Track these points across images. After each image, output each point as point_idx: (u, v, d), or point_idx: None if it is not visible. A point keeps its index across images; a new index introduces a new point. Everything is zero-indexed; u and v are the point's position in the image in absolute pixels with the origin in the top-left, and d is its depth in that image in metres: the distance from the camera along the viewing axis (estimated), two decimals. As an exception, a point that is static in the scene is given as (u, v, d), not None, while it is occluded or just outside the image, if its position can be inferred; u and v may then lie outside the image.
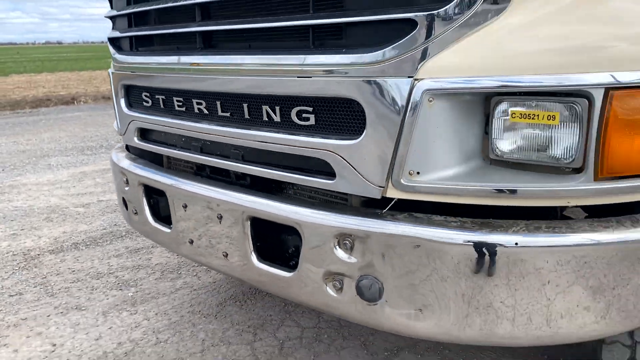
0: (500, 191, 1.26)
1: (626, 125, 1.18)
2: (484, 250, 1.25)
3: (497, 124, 1.29)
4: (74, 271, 3.71)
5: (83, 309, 3.18)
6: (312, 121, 1.45)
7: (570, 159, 1.23)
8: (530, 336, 1.36)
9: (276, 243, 1.63)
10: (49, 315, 3.10)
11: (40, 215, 4.96)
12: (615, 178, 1.23)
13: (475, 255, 1.26)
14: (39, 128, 10.33)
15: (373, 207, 1.44)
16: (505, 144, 1.29)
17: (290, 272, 1.56)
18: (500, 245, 1.24)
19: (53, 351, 2.72)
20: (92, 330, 2.93)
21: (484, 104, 1.30)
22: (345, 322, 2.95)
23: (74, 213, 4.99)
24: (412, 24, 1.23)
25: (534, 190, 1.23)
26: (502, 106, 1.27)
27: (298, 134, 1.48)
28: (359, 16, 1.30)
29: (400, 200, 1.40)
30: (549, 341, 1.39)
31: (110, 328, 2.96)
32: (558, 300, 1.27)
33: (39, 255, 4.01)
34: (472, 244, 1.26)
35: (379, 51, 1.28)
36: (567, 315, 1.32)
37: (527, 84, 1.19)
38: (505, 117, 1.27)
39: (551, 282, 1.25)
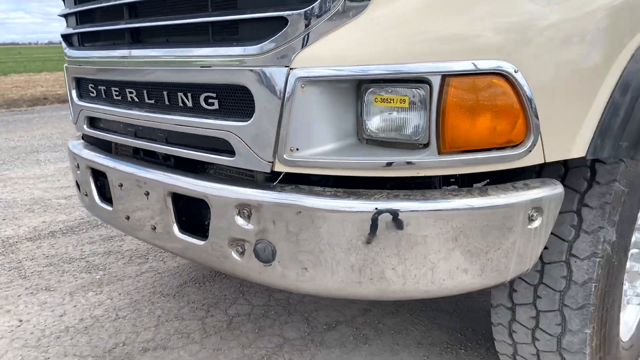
0: (362, 164, 1.47)
1: (461, 107, 1.38)
2: (349, 214, 1.46)
3: (365, 107, 1.50)
4: (47, 257, 3.93)
5: (52, 289, 3.40)
6: (216, 106, 1.66)
7: (419, 136, 1.44)
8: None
9: (194, 215, 1.84)
10: (19, 296, 3.31)
11: (23, 206, 5.18)
12: (458, 152, 1.44)
13: (343, 219, 1.47)
14: (32, 125, 10.55)
15: (272, 181, 1.65)
16: (373, 125, 1.51)
17: (203, 240, 1.77)
18: (360, 210, 1.45)
19: (19, 326, 2.94)
20: (57, 309, 3.15)
21: (356, 89, 1.52)
22: (293, 300, 3.17)
23: (55, 204, 5.21)
24: (285, 21, 1.45)
25: (390, 163, 1.45)
26: (368, 91, 1.48)
27: (206, 118, 1.69)
28: (240, 14, 1.51)
29: (297, 175, 1.61)
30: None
31: (74, 306, 3.18)
32: (413, 256, 1.48)
33: (16, 242, 4.22)
34: (339, 209, 1.47)
35: (260, 44, 1.49)
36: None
37: (377, 73, 1.40)
38: (370, 101, 1.49)
39: (404, 241, 1.46)
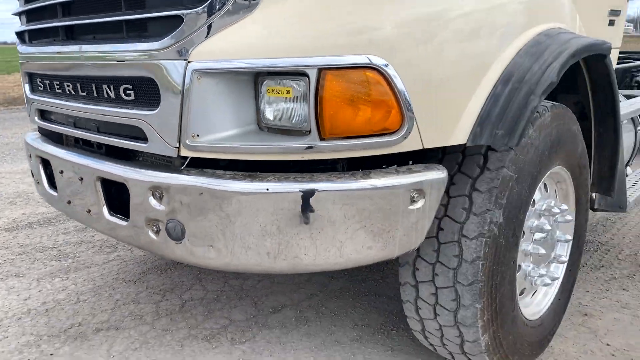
0: (254, 148, 1.62)
1: (336, 98, 1.53)
2: (241, 194, 1.62)
3: (261, 97, 1.65)
4: (22, 246, 4.10)
5: (21, 276, 3.57)
6: (132, 96, 1.82)
7: (303, 124, 1.59)
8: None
9: (121, 198, 2.00)
10: (-12, 281, 3.48)
11: (6, 199, 5.36)
12: (338, 138, 1.59)
13: (235, 198, 1.63)
14: (28, 123, 10.71)
15: (187, 166, 1.80)
16: (268, 114, 1.66)
17: (127, 221, 1.93)
18: (248, 192, 1.60)
19: (-16, 309, 3.11)
20: (23, 293, 3.32)
21: (253, 81, 1.67)
22: (246, 286, 3.32)
23: (37, 197, 5.39)
24: (181, 19, 1.61)
25: (276, 148, 1.60)
26: (263, 83, 1.64)
27: (125, 108, 1.85)
28: (144, 13, 1.68)
29: (209, 160, 1.77)
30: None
31: (40, 291, 3.34)
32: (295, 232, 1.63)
33: (-6, 232, 4.40)
34: (232, 190, 1.63)
35: (162, 40, 1.65)
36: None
37: (260, 66, 1.55)
38: (264, 92, 1.64)
39: (288, 217, 1.61)
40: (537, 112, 2.00)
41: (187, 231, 1.75)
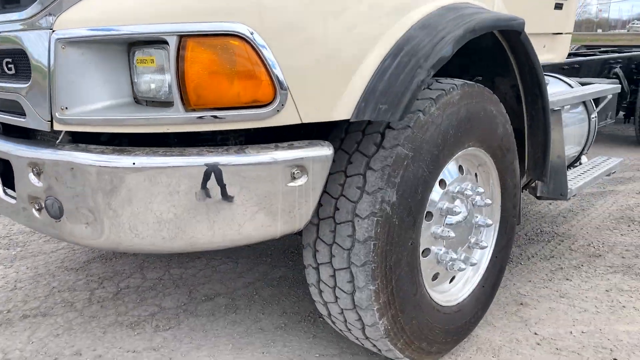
0: (119, 120, 1.56)
1: (199, 66, 1.47)
2: (109, 169, 1.56)
3: (132, 68, 1.60)
4: (-26, 235, 4.06)
5: (-36, 264, 3.53)
6: (13, 70, 1.77)
7: (167, 94, 1.53)
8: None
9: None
10: None
11: (-27, 190, 5.31)
12: (205, 109, 1.52)
13: (102, 173, 1.57)
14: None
15: (75, 141, 1.75)
16: (139, 85, 1.60)
17: (15, 199, 1.88)
18: (119, 166, 1.54)
19: None
20: (-38, 280, 3.27)
21: (126, 51, 1.61)
22: (186, 275, 3.27)
23: (4, 188, 5.33)
24: (40, -17, 1.55)
25: (141, 119, 1.54)
26: (133, 53, 1.58)
27: (9, 82, 1.80)
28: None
29: (91, 134, 1.71)
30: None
31: (-21, 279, 3.30)
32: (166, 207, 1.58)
33: (-50, 222, 4.36)
34: (99, 165, 1.57)
35: (27, 9, 1.60)
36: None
37: (119, 33, 1.49)
38: (134, 63, 1.58)
39: (159, 193, 1.56)
40: (444, 89, 1.93)
41: (65, 209, 1.69)
